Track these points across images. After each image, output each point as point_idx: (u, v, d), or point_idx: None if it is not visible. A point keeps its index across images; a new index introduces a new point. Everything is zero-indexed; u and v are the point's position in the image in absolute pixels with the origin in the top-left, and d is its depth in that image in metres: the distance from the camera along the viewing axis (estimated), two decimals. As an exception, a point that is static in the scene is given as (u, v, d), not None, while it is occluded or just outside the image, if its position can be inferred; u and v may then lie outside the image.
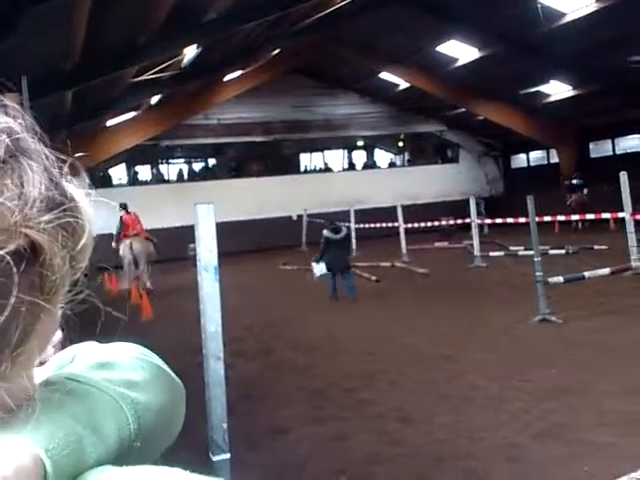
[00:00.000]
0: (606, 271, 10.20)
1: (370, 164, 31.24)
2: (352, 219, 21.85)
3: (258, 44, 19.33)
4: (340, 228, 12.57)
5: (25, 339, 0.50)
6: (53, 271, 0.50)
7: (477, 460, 4.88)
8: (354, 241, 21.22)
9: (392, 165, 31.61)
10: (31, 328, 0.51)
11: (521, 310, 9.83)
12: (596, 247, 15.94)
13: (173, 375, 0.69)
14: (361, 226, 21.20)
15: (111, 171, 27.07)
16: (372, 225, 20.28)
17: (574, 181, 22.81)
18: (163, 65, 15.47)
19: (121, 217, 16.18)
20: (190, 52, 16.25)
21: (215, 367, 4.23)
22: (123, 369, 0.62)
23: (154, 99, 21.34)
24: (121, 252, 15.34)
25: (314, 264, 12.53)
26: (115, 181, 27.22)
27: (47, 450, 0.48)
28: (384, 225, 19.55)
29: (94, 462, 0.51)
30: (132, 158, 26.54)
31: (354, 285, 12.55)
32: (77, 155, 0.59)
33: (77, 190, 0.56)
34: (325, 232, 12.49)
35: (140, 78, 15.92)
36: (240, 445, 4.71)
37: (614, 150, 26.22)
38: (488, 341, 8.48)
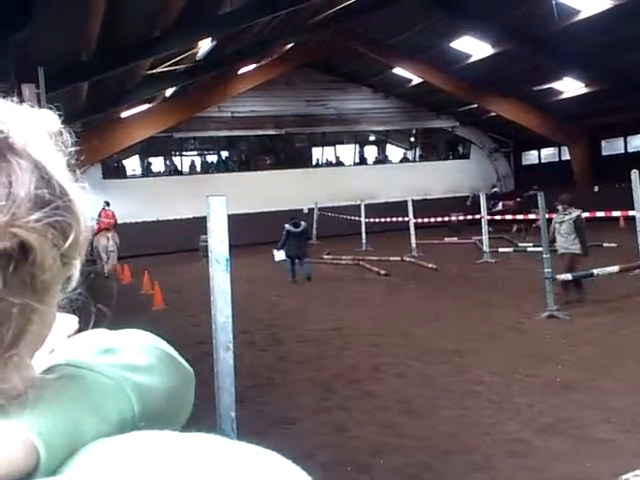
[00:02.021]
0: (615, 269, 10.20)
1: (382, 159, 31.22)
2: (362, 213, 21.88)
3: (272, 38, 19.36)
4: (299, 223, 14.60)
5: (17, 342, 0.50)
6: (44, 270, 0.50)
7: (481, 454, 4.94)
8: (364, 235, 21.31)
9: (403, 160, 31.55)
10: (23, 329, 0.50)
11: (529, 306, 9.87)
12: (605, 245, 15.91)
13: (181, 360, 0.70)
14: (371, 220, 21.23)
15: (125, 162, 27.26)
16: (382, 219, 20.31)
17: (496, 190, 24.93)
18: (178, 58, 15.56)
19: (100, 212, 18.36)
20: (205, 45, 16.32)
21: (225, 357, 4.29)
22: (127, 354, 0.63)
23: (169, 91, 21.44)
24: (103, 242, 17.43)
25: (275, 251, 14.69)
26: (129, 172, 27.39)
27: (40, 433, 0.48)
28: (394, 219, 19.59)
29: (93, 441, 0.52)
30: (146, 149, 26.71)
31: (309, 269, 14.77)
32: (72, 149, 0.58)
33: (72, 185, 0.55)
34: (287, 226, 14.54)
35: (155, 70, 16.02)
36: (248, 434, 4.77)
37: (626, 148, 26.07)
38: (495, 336, 8.53)
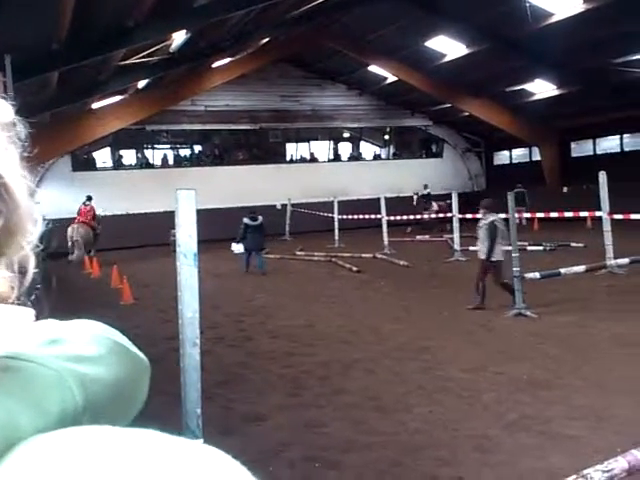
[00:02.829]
0: (581, 268, 10.38)
1: (355, 156, 31.32)
2: (335, 210, 21.88)
3: (247, 32, 19.25)
4: (257, 217, 15.23)
5: None
6: None
7: (449, 450, 4.98)
8: (337, 231, 21.34)
9: (377, 157, 31.71)
10: None
11: (498, 304, 9.96)
12: (573, 244, 16.16)
13: (135, 351, 0.67)
14: (344, 217, 21.25)
15: (95, 154, 26.89)
16: (355, 216, 20.34)
17: (429, 190, 25.67)
18: (151, 49, 15.38)
19: (79, 208, 18.92)
20: (179, 37, 16.15)
21: (191, 353, 4.24)
22: (74, 345, 0.60)
23: (141, 83, 21.18)
24: (68, 232, 18.00)
25: (234, 244, 15.26)
26: (99, 164, 27.03)
27: None
28: (367, 216, 19.63)
29: (31, 435, 0.50)
30: (117, 142, 26.38)
31: (263, 262, 15.38)
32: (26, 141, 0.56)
33: (10, 174, 0.53)
34: (245, 219, 15.08)
35: (128, 61, 15.80)
36: (214, 431, 4.73)
37: (595, 150, 26.52)
38: (464, 333, 8.60)
